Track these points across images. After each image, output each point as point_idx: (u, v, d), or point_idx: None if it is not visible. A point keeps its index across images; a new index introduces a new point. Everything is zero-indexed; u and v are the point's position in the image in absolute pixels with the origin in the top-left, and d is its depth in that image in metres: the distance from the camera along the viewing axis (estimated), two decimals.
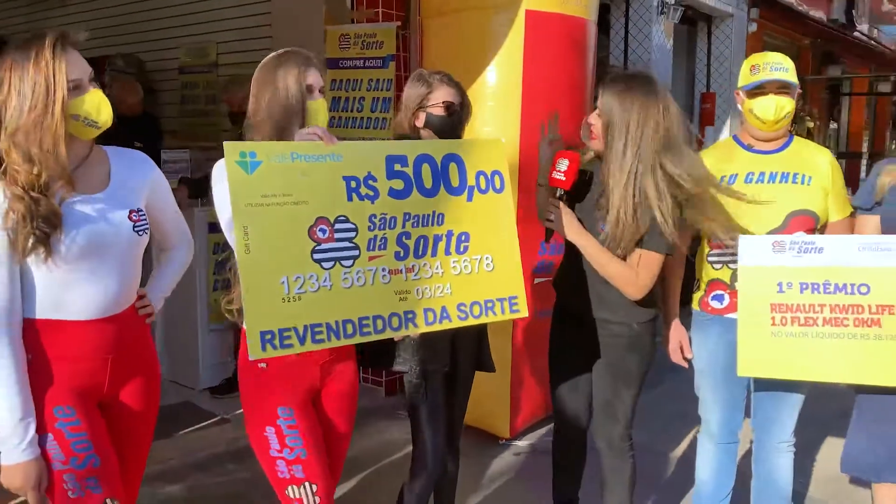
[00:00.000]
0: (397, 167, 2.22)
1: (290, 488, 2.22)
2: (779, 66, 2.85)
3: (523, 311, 2.38)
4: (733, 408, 3.06)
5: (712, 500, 3.16)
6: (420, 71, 2.85)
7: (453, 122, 2.78)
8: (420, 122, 2.76)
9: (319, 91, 2.27)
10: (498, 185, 2.41)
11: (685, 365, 3.09)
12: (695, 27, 10.17)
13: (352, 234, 2.12)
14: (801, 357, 2.62)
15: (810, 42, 12.94)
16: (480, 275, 2.33)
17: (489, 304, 2.35)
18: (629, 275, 2.63)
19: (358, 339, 2.11)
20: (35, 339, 2.01)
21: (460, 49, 4.18)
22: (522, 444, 4.32)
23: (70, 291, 2.02)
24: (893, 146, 18.90)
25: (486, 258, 2.35)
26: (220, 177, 2.07)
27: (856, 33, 13.74)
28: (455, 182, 2.32)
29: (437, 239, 2.27)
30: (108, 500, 2.06)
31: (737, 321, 2.70)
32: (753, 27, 10.52)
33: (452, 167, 2.33)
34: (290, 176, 2.04)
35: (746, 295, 2.68)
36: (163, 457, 3.88)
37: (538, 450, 4.17)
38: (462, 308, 2.29)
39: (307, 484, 2.21)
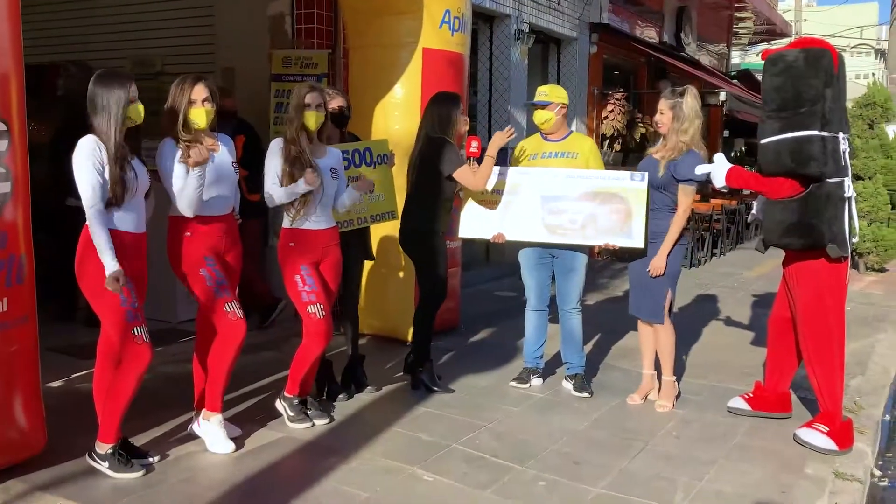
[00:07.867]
0: (356, 156, 4.83)
1: (309, 307, 4.18)
2: (542, 93, 4.92)
3: (396, 217, 5.05)
4: (542, 287, 5.04)
5: (533, 347, 5.14)
6: (324, 88, 4.74)
7: (342, 117, 4.81)
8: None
9: (316, 107, 4.20)
10: (385, 161, 5.02)
11: None
12: (547, 48, 11.78)
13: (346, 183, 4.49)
14: (489, 225, 4.88)
15: (646, 60, 14.74)
16: (378, 202, 4.99)
17: (385, 214, 5.06)
18: None
19: (352, 228, 4.61)
20: (194, 225, 3.81)
21: (376, 72, 5.97)
22: None
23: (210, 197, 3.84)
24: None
25: (380, 195, 4.95)
26: (273, 151, 4.06)
27: (683, 53, 15.82)
28: (368, 159, 4.91)
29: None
30: (232, 302, 3.87)
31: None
32: (594, 49, 12.20)
33: (367, 153, 4.91)
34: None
35: (465, 197, 4.95)
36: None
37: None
38: (374, 217, 4.98)
39: (318, 305, 4.20)
